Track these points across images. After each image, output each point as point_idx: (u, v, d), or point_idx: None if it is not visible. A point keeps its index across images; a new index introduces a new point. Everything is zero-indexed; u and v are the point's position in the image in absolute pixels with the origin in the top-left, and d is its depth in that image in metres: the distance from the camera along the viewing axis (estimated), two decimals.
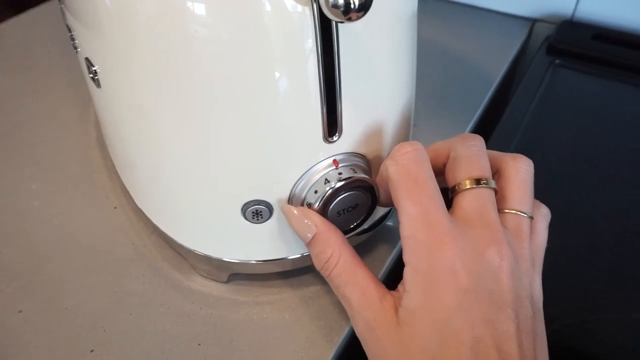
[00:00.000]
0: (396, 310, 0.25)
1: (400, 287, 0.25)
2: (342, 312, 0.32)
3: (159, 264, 0.35)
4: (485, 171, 0.26)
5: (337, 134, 0.26)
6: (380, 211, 0.33)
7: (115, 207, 0.38)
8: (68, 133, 0.44)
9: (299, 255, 0.31)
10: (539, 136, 0.45)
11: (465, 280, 0.23)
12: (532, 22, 0.57)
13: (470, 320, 0.23)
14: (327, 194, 0.27)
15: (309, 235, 0.27)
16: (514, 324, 0.23)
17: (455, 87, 0.49)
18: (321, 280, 0.33)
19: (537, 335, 0.24)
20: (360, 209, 0.28)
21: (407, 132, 0.32)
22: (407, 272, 0.25)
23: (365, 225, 0.32)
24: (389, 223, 0.37)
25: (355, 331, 0.26)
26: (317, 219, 0.27)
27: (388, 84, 0.28)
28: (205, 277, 0.34)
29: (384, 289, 0.26)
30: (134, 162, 0.31)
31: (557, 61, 0.52)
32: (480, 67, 0.51)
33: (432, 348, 0.23)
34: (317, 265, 0.28)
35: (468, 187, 0.25)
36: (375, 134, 0.28)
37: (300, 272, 0.34)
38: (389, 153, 0.29)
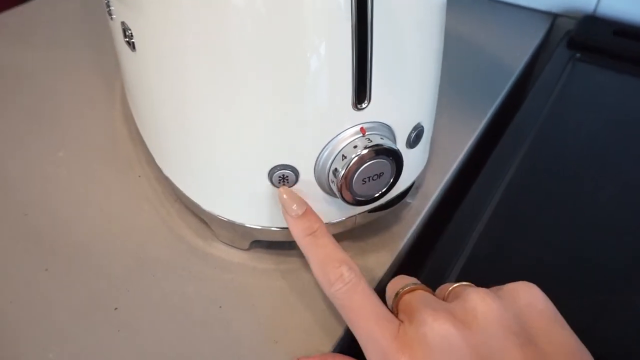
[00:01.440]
0: None
1: None
2: None
3: (182, 231, 0.35)
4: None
5: (366, 102, 0.27)
6: (402, 185, 0.33)
7: (139, 176, 0.39)
8: (95, 106, 0.44)
9: None
10: (557, 129, 0.45)
11: None
12: (554, 16, 0.57)
13: None
14: (354, 160, 0.27)
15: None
16: None
17: (474, 78, 0.49)
18: None
19: None
20: (384, 178, 0.29)
21: (432, 108, 0.32)
22: None
23: (386, 197, 0.33)
24: (409, 201, 0.37)
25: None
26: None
27: (418, 57, 0.28)
28: (227, 244, 0.34)
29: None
30: (163, 126, 0.31)
31: (578, 55, 0.52)
32: (500, 60, 0.51)
33: None
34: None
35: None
36: (402, 105, 0.29)
37: None
38: (415, 128, 0.30)
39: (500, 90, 0.47)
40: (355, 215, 0.33)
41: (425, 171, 0.39)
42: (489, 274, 0.26)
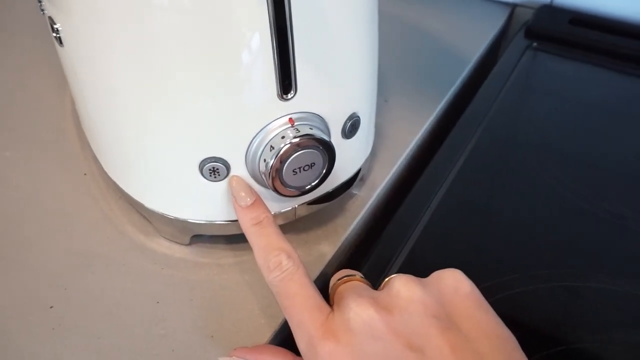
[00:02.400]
0: None
1: None
2: None
3: (124, 227, 0.35)
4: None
5: (292, 91, 0.27)
6: (342, 177, 0.33)
7: (85, 174, 0.38)
8: (44, 103, 0.44)
9: None
10: (511, 117, 0.45)
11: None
12: (513, 7, 0.57)
13: None
14: (282, 150, 0.27)
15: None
16: None
17: (430, 66, 0.49)
18: None
19: None
20: (316, 168, 0.29)
21: (369, 97, 0.32)
22: None
23: (326, 189, 0.33)
24: (355, 192, 0.37)
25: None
26: (253, 353, 0.27)
27: (347, 44, 0.28)
28: (169, 239, 0.34)
29: None
30: (95, 121, 0.31)
31: (535, 44, 0.52)
32: (456, 50, 0.51)
33: None
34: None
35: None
36: (334, 94, 0.29)
37: None
38: (350, 118, 0.30)
39: (454, 80, 0.47)
40: (294, 207, 0.32)
41: (372, 162, 0.39)
42: (432, 267, 0.26)
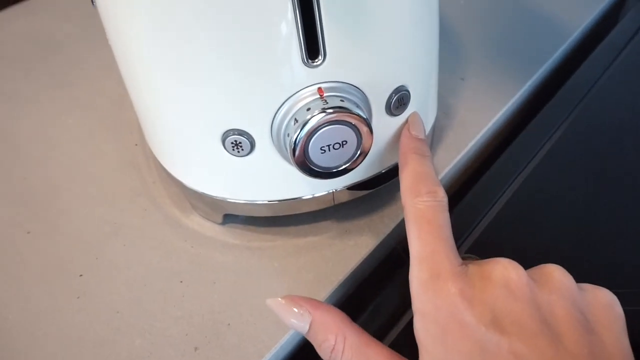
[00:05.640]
0: None
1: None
2: (332, 267, 0.29)
3: (163, 200, 0.34)
4: None
5: (320, 57, 0.23)
6: (389, 160, 0.29)
7: (136, 144, 0.38)
8: (108, 74, 0.44)
9: (286, 198, 0.28)
10: (614, 101, 0.38)
11: (475, 319, 0.20)
12: None
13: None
14: (307, 123, 0.23)
15: (305, 325, 0.23)
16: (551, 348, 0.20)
17: (521, 40, 0.43)
18: (318, 232, 0.31)
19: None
20: (348, 147, 0.25)
21: (424, 68, 0.28)
22: (416, 319, 0.22)
23: (369, 173, 0.29)
24: None
25: None
26: (309, 304, 0.24)
27: (392, 3, 0.24)
28: (203, 216, 0.32)
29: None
30: (130, 91, 0.30)
31: None
32: (558, 20, 0.44)
33: None
34: (324, 355, 0.23)
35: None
36: (373, 62, 0.25)
37: (299, 221, 0.31)
38: (396, 91, 0.26)
39: (547, 58, 0.41)
40: (333, 192, 0.29)
41: (435, 146, 0.34)
42: None
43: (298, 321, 0.23)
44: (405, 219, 0.24)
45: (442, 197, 0.24)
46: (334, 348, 0.23)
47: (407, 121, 0.28)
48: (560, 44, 0.42)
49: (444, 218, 0.23)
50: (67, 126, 0.40)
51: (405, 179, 0.25)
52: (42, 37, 0.48)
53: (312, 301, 0.24)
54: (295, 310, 0.24)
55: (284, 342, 0.27)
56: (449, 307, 0.21)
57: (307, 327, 0.23)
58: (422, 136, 0.27)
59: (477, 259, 0.24)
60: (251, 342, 0.26)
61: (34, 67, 0.45)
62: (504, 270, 0.21)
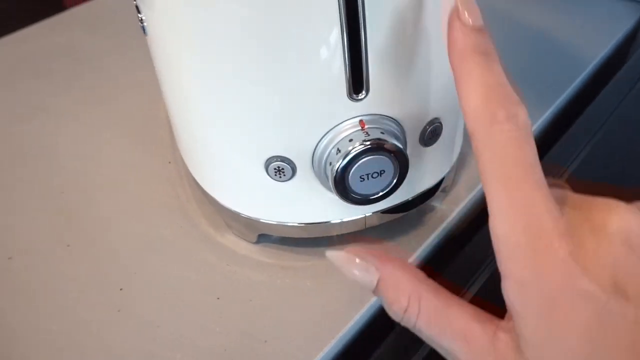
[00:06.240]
0: (516, 348, 0.19)
1: (508, 315, 0.19)
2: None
3: (198, 219, 0.35)
4: None
5: (363, 91, 0.25)
6: (419, 187, 0.31)
7: (169, 162, 0.39)
8: (143, 90, 0.46)
9: (320, 222, 0.29)
10: (624, 134, 0.39)
11: (593, 286, 0.17)
12: None
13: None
14: (349, 154, 0.25)
15: (372, 280, 0.21)
16: None
17: (541, 70, 0.44)
18: None
19: None
20: (386, 176, 0.26)
21: (456, 100, 0.29)
22: (510, 287, 0.18)
23: (401, 199, 0.30)
24: (435, 204, 0.34)
25: None
26: (376, 258, 0.21)
27: (428, 37, 0.25)
28: (238, 235, 0.33)
29: (489, 322, 0.20)
30: (172, 113, 0.31)
31: None
32: (576, 50, 0.46)
33: None
34: (395, 317, 0.21)
35: None
36: (411, 97, 0.26)
37: (332, 241, 0.32)
38: (430, 124, 0.27)
39: (565, 88, 0.42)
40: (365, 216, 0.30)
41: (459, 173, 0.36)
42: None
43: (362, 274, 0.21)
44: (477, 156, 0.19)
45: (526, 119, 0.19)
46: (406, 310, 0.20)
47: (454, 6, 0.20)
48: (581, 70, 0.43)
49: (532, 152, 0.18)
50: (104, 141, 0.41)
51: (471, 95, 0.19)
52: (79, 52, 0.50)
53: (380, 255, 0.21)
54: (358, 261, 0.21)
55: (319, 359, 0.28)
56: (559, 275, 0.17)
57: (375, 283, 0.21)
58: (480, 23, 0.20)
59: (566, 187, 0.20)
60: (286, 359, 0.28)
61: (71, 83, 0.47)
62: (621, 221, 0.17)
